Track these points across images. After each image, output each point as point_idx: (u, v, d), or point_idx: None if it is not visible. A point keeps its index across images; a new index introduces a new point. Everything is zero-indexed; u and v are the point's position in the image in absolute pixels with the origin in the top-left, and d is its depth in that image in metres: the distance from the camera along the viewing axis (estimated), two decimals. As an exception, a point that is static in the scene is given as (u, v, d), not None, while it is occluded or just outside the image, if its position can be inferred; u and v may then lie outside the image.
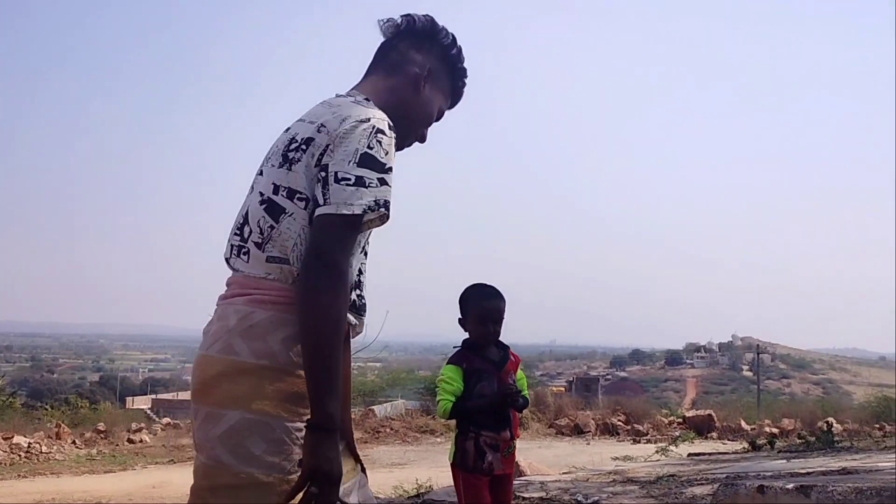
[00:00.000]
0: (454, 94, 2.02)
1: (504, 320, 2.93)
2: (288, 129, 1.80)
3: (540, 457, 10.91)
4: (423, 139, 1.97)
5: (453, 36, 1.97)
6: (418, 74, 1.90)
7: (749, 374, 78.26)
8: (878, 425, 15.66)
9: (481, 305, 2.90)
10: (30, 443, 13.61)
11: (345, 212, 1.60)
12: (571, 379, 42.33)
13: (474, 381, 2.85)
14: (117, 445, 14.73)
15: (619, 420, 17.82)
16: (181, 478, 12.09)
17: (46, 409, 18.87)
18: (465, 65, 2.00)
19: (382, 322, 20.61)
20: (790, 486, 2.26)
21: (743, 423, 17.15)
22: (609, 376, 75.44)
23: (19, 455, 13.14)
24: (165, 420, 18.62)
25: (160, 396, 35.22)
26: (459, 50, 1.98)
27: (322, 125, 1.70)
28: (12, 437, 13.69)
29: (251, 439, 1.56)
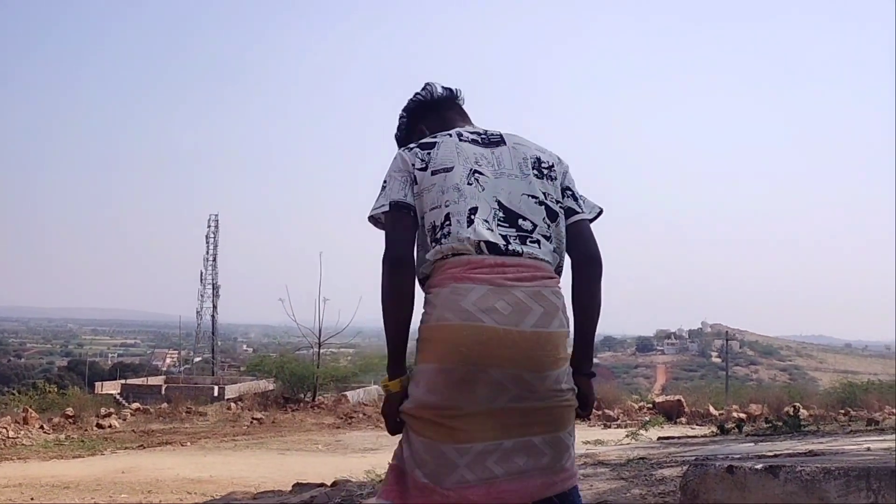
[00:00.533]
0: None
1: None
2: (502, 145, 2.26)
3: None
4: None
5: None
6: None
7: (718, 360, 79.29)
8: (843, 411, 15.97)
9: None
10: (-4, 428, 13.44)
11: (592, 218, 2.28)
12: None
13: None
14: (86, 430, 14.59)
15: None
16: (151, 462, 12.01)
17: (14, 394, 18.65)
18: None
19: (356, 308, 20.65)
20: (759, 466, 2.29)
21: (711, 409, 17.39)
22: (580, 362, 75.87)
23: (-15, 440, 12.97)
24: (135, 405, 18.45)
25: (129, 381, 34.87)
26: None
27: (552, 155, 2.29)
28: (-22, 422, 13.52)
29: (569, 377, 2.12)
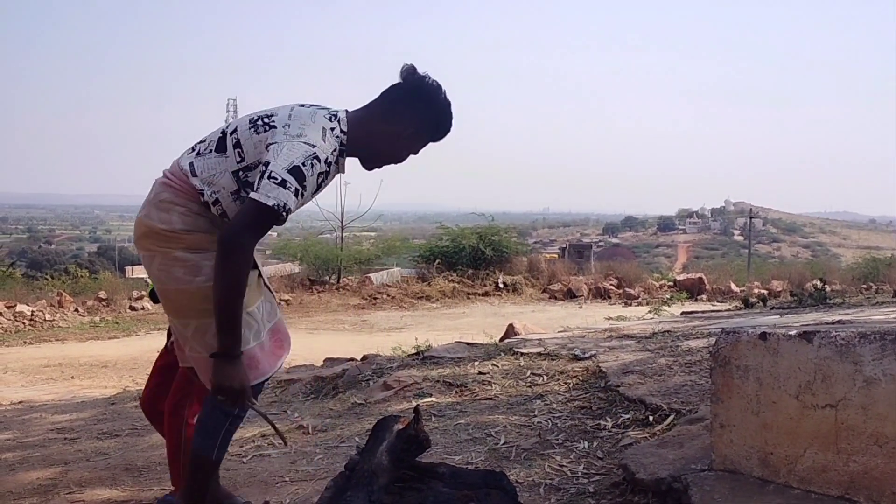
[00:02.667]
0: (436, 137, 2.44)
1: None
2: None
3: (534, 320, 11.16)
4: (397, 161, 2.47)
5: (440, 103, 2.38)
6: (400, 134, 2.37)
7: (740, 238, 79.16)
8: (864, 286, 15.99)
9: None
10: (33, 311, 13.82)
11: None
12: (564, 245, 42.80)
13: None
14: (119, 313, 15.00)
15: (610, 284, 18.14)
16: (184, 342, 12.38)
17: (47, 279, 19.09)
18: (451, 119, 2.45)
19: (377, 192, 20.66)
20: (792, 332, 2.28)
21: (733, 286, 17.50)
22: (601, 243, 76.29)
23: (23, 323, 13.38)
24: (165, 288, 18.86)
25: (159, 266, 35.44)
26: (445, 115, 2.41)
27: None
28: (15, 305, 13.89)
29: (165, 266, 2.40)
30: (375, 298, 16.96)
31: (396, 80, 2.39)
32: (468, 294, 17.40)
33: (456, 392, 4.21)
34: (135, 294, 16.65)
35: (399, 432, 2.31)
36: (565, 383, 4.05)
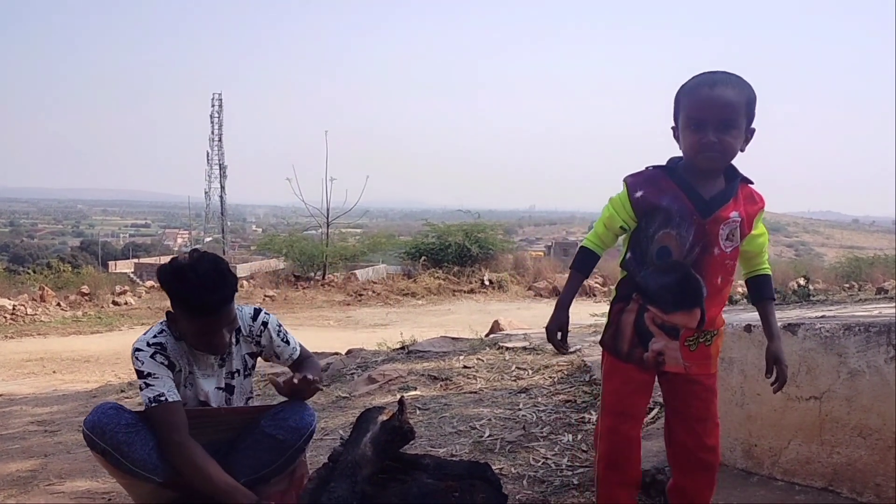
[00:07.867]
0: (196, 312, 2.33)
1: (738, 125, 1.81)
2: None
3: (519, 317, 11.14)
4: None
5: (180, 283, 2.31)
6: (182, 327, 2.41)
7: (725, 237, 79.39)
8: (847, 284, 16.11)
9: (695, 96, 1.80)
10: (14, 305, 13.69)
11: None
12: (550, 244, 42.92)
13: (654, 224, 1.90)
14: (102, 307, 14.88)
15: (595, 282, 18.19)
16: (168, 337, 12.28)
17: (29, 274, 18.91)
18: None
19: (363, 187, 20.59)
20: (777, 324, 2.27)
21: (717, 283, 17.59)
22: (587, 241, 76.25)
23: (4, 317, 13.24)
24: (149, 283, 18.73)
25: (143, 260, 35.32)
26: (181, 290, 2.30)
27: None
28: (-4, 299, 13.76)
29: None
30: (361, 295, 16.92)
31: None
32: (454, 291, 17.40)
33: (441, 385, 4.20)
34: (118, 289, 16.53)
35: (383, 423, 2.29)
36: (550, 377, 4.05)
